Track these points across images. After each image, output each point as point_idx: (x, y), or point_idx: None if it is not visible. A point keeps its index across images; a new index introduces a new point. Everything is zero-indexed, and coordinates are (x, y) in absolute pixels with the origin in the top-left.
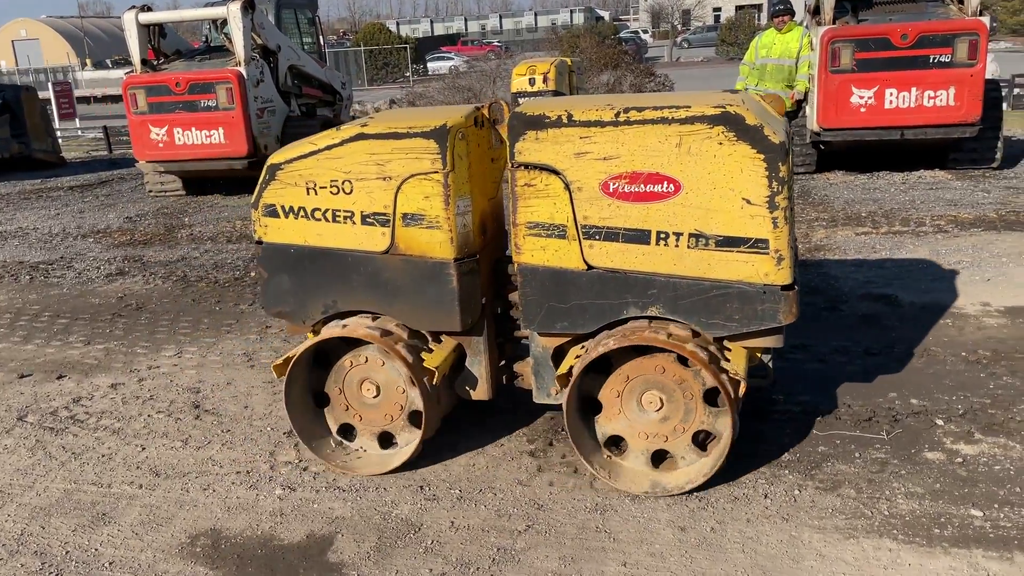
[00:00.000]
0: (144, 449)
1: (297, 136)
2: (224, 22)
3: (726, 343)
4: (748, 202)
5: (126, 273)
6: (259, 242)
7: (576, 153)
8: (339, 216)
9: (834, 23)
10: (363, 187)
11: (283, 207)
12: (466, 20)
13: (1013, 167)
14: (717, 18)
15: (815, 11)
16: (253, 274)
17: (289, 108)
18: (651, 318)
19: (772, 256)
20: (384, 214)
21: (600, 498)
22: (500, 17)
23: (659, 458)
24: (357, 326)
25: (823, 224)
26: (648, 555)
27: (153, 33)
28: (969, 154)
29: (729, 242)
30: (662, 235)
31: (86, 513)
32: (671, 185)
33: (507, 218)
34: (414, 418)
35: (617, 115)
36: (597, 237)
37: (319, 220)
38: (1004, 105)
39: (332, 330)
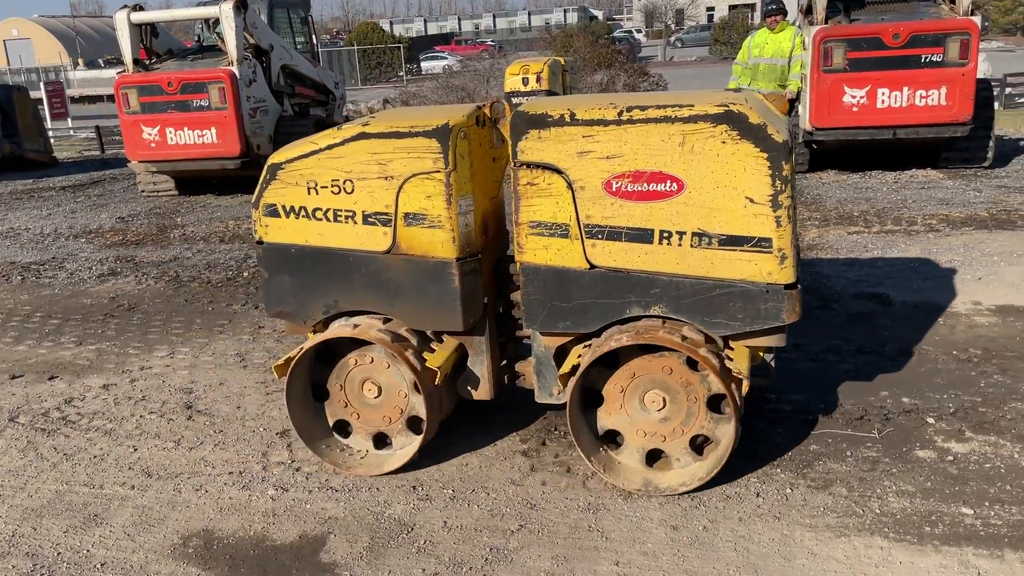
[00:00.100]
0: (136, 450)
1: (290, 136)
2: (216, 21)
3: (729, 342)
4: (751, 201)
5: (118, 273)
6: (260, 242)
7: (579, 152)
8: (340, 216)
9: (826, 23)
10: (365, 186)
11: (284, 207)
12: (460, 19)
13: (1004, 166)
14: (711, 17)
15: (807, 11)
16: (246, 274)
17: (282, 108)
18: (658, 317)
19: (775, 255)
20: (386, 214)
21: (593, 497)
22: (494, 16)
23: (653, 457)
24: (369, 328)
25: (815, 223)
26: (640, 554)
27: (145, 32)
28: (961, 153)
29: (732, 241)
30: (665, 234)
31: (78, 514)
32: (674, 184)
33: (509, 217)
34: (412, 423)
35: (620, 114)
36: (600, 236)
37: (320, 220)
38: (996, 104)
39: (343, 329)
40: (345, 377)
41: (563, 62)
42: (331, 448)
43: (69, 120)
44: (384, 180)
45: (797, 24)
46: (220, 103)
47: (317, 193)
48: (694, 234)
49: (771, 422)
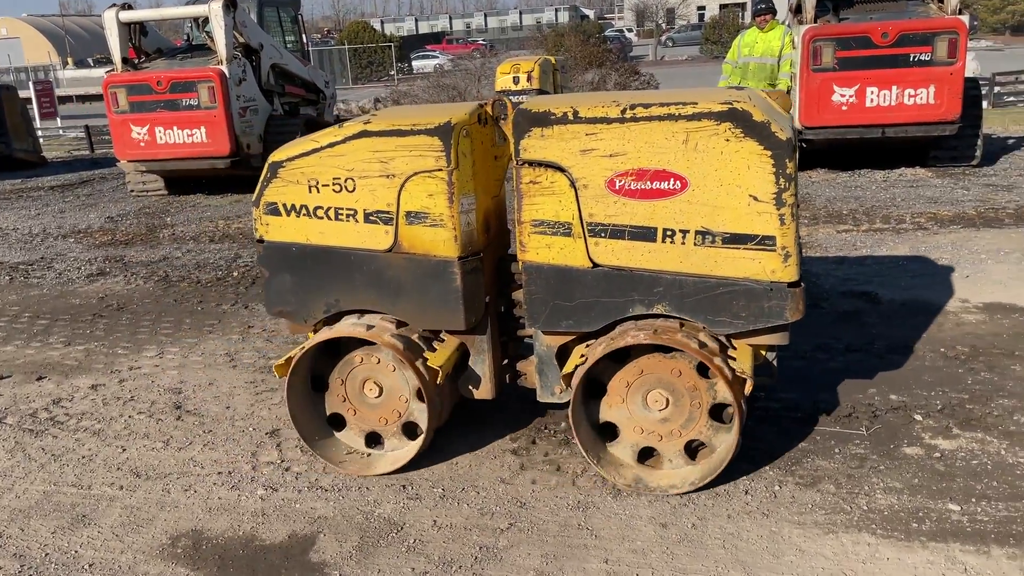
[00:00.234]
0: (125, 450)
1: (280, 135)
2: (206, 20)
3: (731, 341)
4: (755, 199)
5: (107, 273)
6: (260, 241)
7: (582, 150)
8: (342, 214)
9: (815, 22)
10: (366, 185)
11: (285, 205)
12: (451, 18)
13: (992, 165)
14: (701, 17)
15: (797, 10)
16: (236, 274)
17: (272, 107)
18: (660, 316)
19: (779, 253)
20: (387, 212)
21: (582, 496)
22: (485, 15)
23: (646, 455)
24: (382, 331)
25: (805, 222)
26: (630, 552)
27: (134, 31)
28: (949, 152)
29: (736, 239)
30: (668, 232)
31: (66, 515)
32: (677, 182)
33: (511, 216)
34: (407, 428)
35: (623, 112)
36: (603, 235)
37: (321, 218)
38: (984, 103)
39: (354, 328)
40: (348, 373)
41: (554, 61)
42: (324, 442)
43: (58, 119)
44: (386, 178)
45: (787, 23)
46: (210, 102)
47: (318, 191)
48: (697, 232)
49: (760, 420)
